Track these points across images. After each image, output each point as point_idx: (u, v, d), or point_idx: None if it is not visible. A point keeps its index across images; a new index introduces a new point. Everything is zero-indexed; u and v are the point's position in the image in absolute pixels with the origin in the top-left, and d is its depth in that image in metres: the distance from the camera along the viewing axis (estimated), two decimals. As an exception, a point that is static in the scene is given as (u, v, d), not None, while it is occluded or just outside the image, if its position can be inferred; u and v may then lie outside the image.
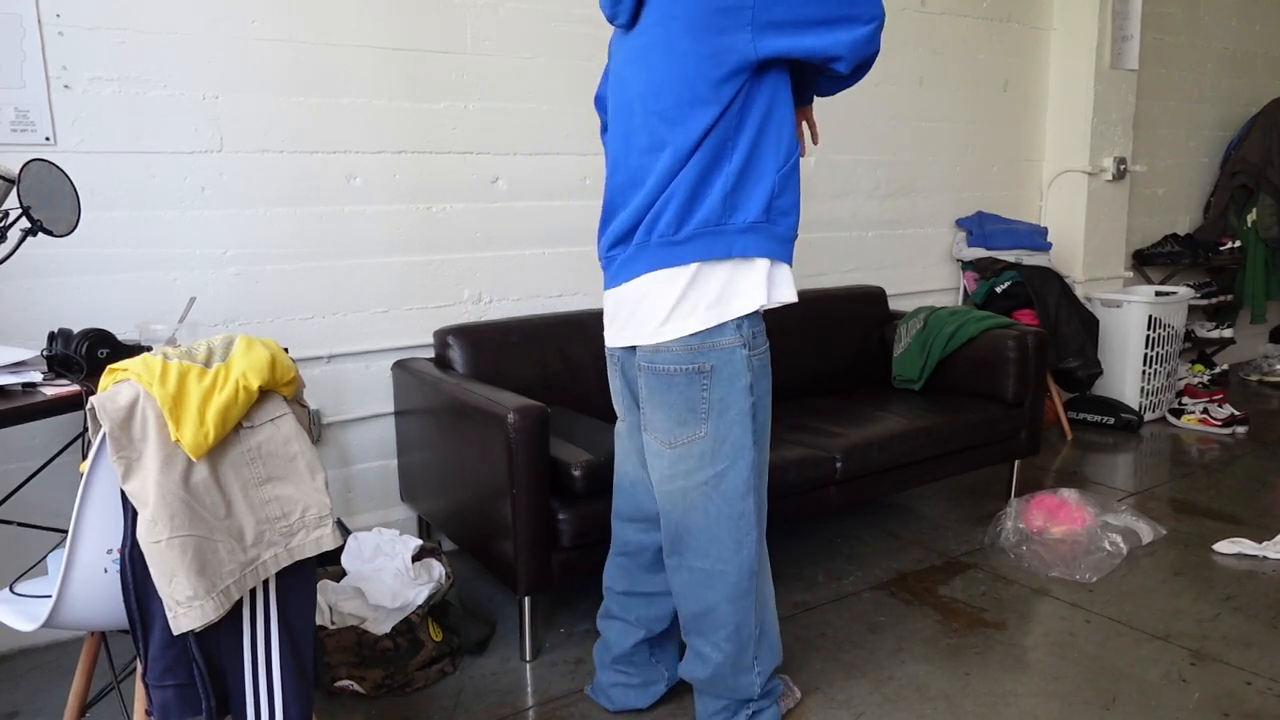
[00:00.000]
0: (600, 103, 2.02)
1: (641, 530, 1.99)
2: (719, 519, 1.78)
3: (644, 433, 1.82)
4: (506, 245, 3.04)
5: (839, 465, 2.66)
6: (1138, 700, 2.10)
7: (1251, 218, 5.05)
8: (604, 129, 1.95)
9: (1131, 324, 4.28)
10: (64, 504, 1.58)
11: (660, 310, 1.71)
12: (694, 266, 1.68)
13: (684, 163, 1.66)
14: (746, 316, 1.73)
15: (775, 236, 1.71)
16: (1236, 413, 4.29)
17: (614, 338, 1.84)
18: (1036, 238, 4.28)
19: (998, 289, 4.04)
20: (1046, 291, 4.01)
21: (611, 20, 1.77)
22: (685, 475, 1.77)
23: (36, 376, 1.79)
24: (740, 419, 1.74)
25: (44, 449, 2.34)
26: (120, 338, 1.96)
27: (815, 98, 1.89)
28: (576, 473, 2.23)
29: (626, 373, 1.88)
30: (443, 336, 2.77)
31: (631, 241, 1.74)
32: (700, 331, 1.70)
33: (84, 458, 1.45)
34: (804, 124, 1.94)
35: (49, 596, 1.48)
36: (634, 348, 1.79)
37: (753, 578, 1.83)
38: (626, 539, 2.02)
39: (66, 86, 2.33)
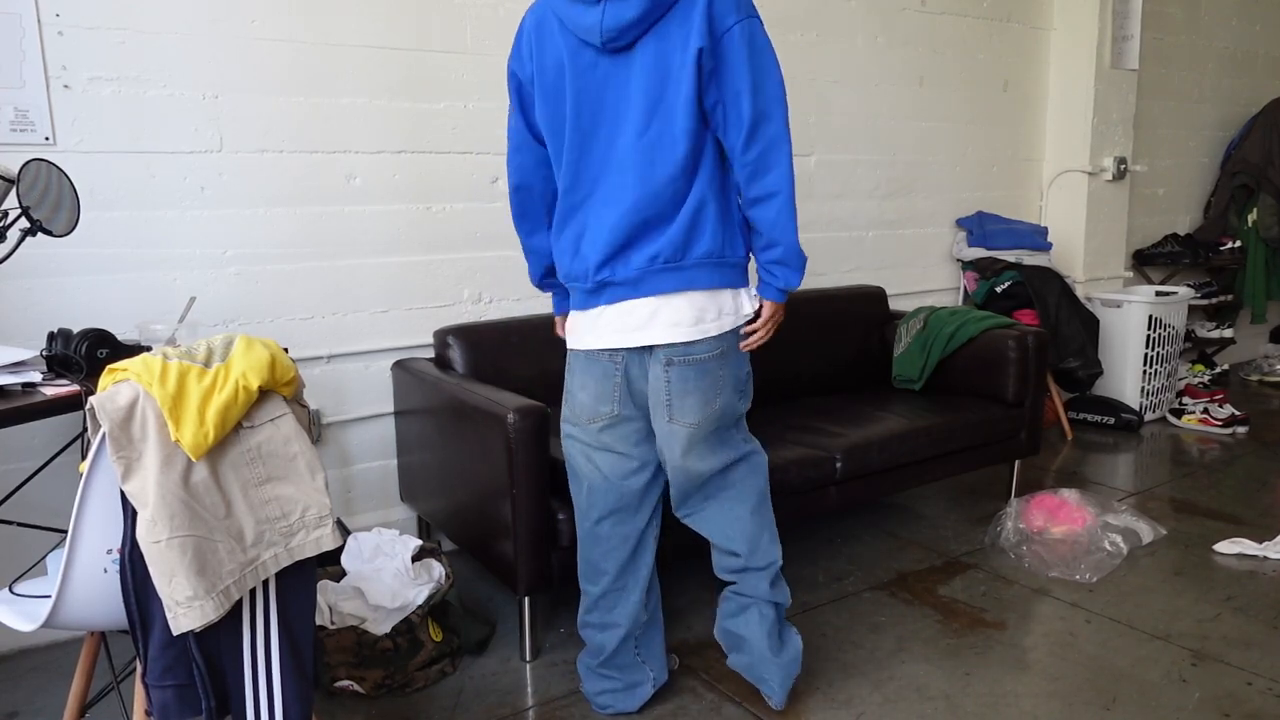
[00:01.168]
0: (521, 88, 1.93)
1: (619, 521, 2.00)
2: (733, 464, 2.00)
3: (670, 422, 1.91)
4: (506, 245, 3.03)
5: (839, 465, 2.66)
6: (1138, 700, 2.10)
7: (1252, 218, 5.05)
8: (515, 127, 1.95)
9: (1132, 324, 4.28)
10: (64, 504, 1.58)
11: (688, 314, 1.85)
12: (706, 291, 1.87)
13: (682, 187, 1.80)
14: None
15: (743, 267, 1.94)
16: (1237, 413, 4.29)
17: (622, 339, 1.87)
18: (1037, 238, 4.27)
19: (998, 289, 4.04)
20: (1047, 291, 4.01)
21: (608, 43, 1.73)
22: (702, 440, 1.94)
23: (36, 376, 1.79)
24: (737, 385, 1.95)
25: (44, 449, 2.34)
26: (120, 338, 1.95)
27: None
28: (576, 473, 2.23)
29: (629, 371, 1.91)
30: (442, 336, 2.77)
31: (630, 262, 1.83)
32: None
33: (84, 458, 1.45)
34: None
35: (48, 596, 1.48)
36: (649, 347, 1.87)
37: (766, 485, 2.06)
38: (604, 535, 2.01)
39: (66, 86, 2.33)
